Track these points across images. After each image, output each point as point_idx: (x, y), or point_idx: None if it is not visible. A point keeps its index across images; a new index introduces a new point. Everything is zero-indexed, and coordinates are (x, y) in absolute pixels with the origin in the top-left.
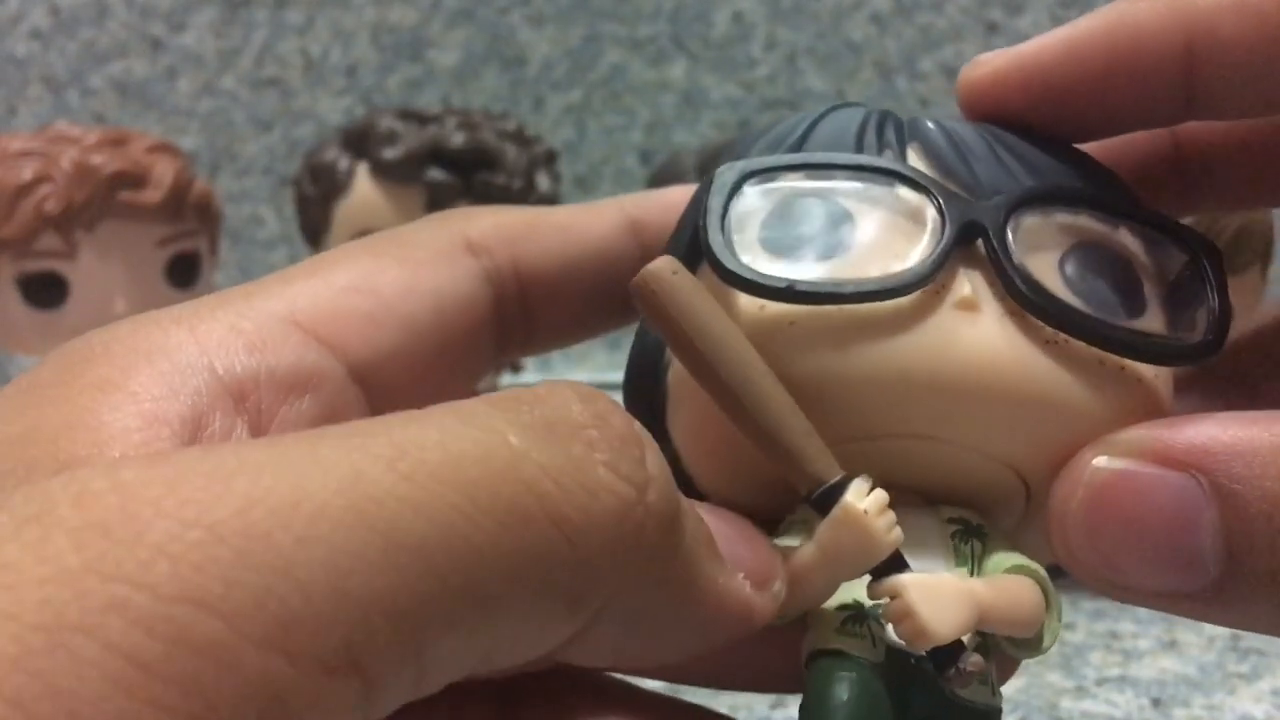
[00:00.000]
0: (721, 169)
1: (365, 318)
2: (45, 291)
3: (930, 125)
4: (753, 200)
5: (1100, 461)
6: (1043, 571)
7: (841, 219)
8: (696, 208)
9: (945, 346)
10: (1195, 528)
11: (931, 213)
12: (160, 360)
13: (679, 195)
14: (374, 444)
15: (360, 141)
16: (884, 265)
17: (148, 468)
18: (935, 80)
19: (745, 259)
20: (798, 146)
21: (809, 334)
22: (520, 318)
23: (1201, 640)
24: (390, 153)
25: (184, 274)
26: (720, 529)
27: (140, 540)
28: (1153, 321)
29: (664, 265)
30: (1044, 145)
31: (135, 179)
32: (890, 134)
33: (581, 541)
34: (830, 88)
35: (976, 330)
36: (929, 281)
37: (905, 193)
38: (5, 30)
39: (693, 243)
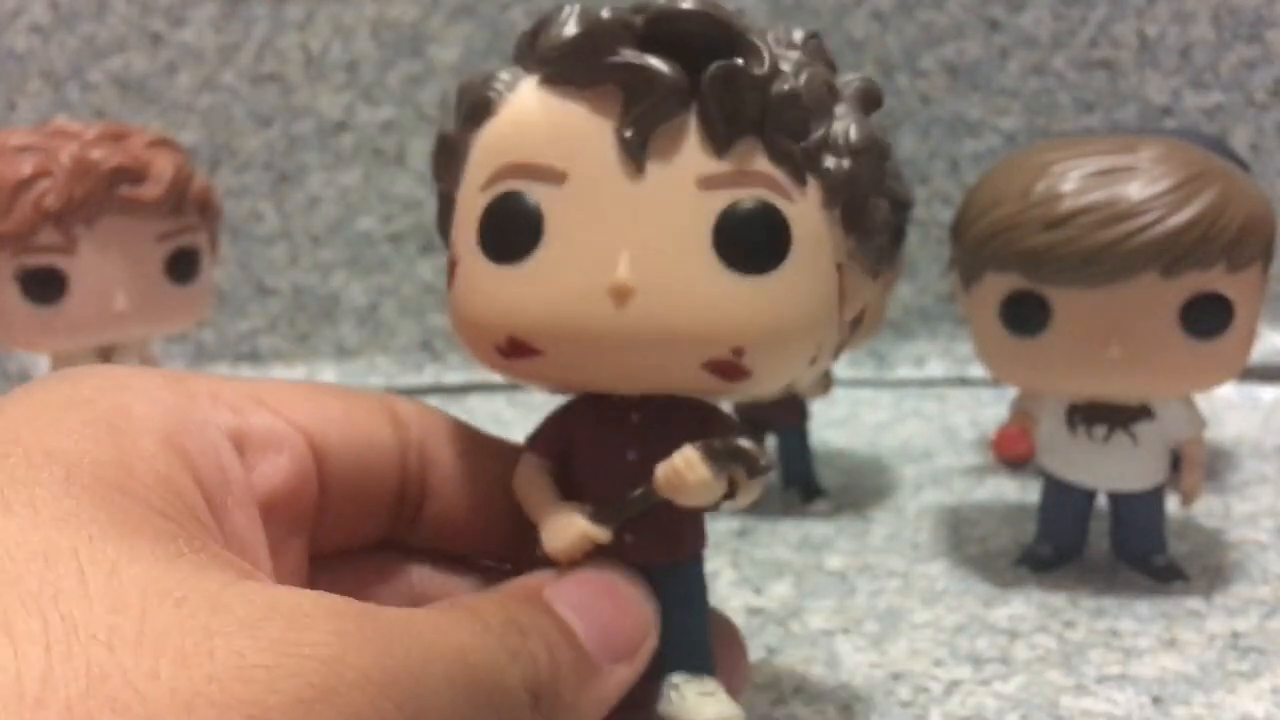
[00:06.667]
0: None
1: (315, 416)
2: (44, 287)
3: None
4: None
5: None
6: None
7: None
8: None
9: None
10: None
11: None
12: (185, 419)
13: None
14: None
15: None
16: None
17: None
18: (937, 77)
19: None
20: None
21: None
22: (416, 494)
23: (1202, 639)
24: None
25: (184, 269)
26: (591, 609)
27: None
28: None
29: None
30: None
31: (135, 174)
32: None
33: None
34: None
35: None
36: None
37: None
38: (4, 25)
39: None
